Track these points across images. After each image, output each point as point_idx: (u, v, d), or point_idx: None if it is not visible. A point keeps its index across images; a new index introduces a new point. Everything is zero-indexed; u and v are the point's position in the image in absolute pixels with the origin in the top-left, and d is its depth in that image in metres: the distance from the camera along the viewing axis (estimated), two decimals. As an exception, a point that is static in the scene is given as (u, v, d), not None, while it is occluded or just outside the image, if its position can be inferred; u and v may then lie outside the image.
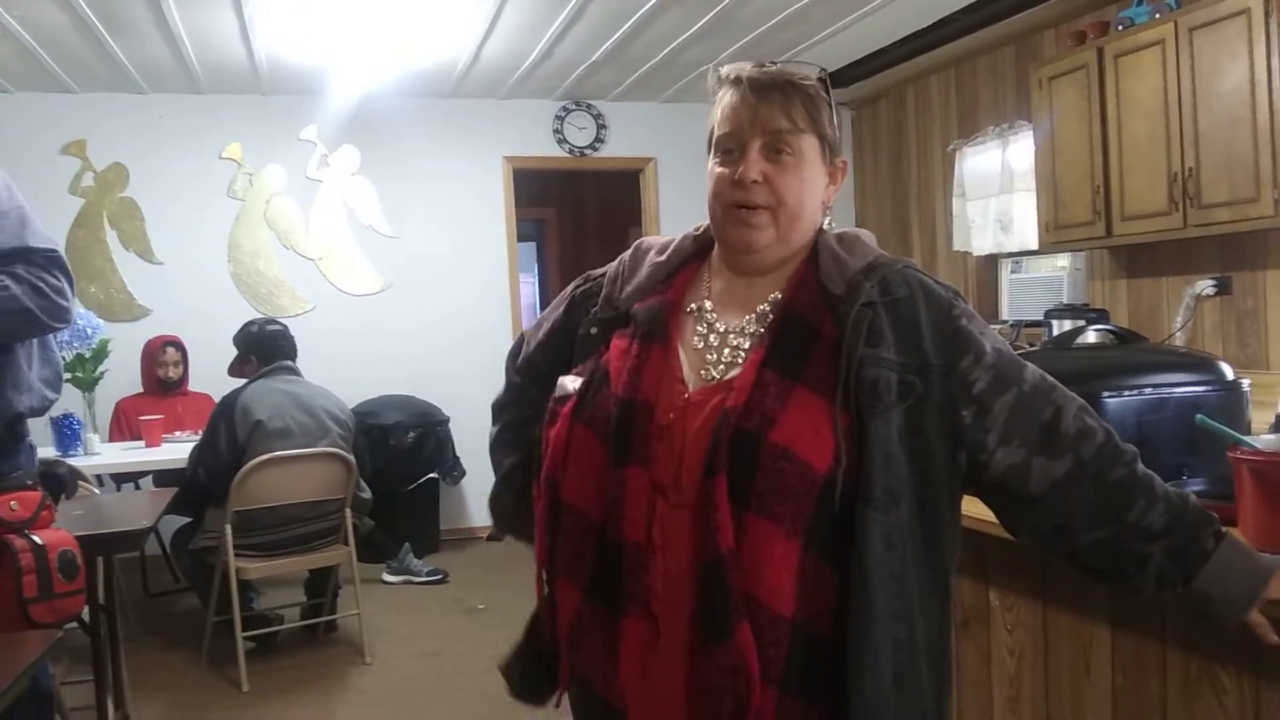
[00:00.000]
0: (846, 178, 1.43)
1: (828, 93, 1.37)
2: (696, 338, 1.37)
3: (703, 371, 1.33)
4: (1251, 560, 1.35)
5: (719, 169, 1.36)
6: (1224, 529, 1.36)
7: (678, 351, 1.35)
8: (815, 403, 1.25)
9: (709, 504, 1.22)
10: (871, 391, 1.25)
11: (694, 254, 1.45)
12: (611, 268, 1.49)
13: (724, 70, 1.39)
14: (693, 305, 1.40)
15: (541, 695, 1.47)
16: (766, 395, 1.26)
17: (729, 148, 1.35)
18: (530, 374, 1.57)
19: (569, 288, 1.56)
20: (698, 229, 1.47)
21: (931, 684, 1.29)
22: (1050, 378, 1.37)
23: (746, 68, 1.36)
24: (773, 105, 1.32)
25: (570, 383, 1.39)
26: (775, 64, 1.36)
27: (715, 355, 1.34)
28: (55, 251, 2.58)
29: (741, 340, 1.34)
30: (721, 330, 1.36)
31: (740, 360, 1.32)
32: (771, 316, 1.34)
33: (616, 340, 1.39)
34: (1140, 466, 1.36)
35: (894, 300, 1.30)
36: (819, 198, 1.38)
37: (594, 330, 1.43)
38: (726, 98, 1.36)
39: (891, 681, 1.24)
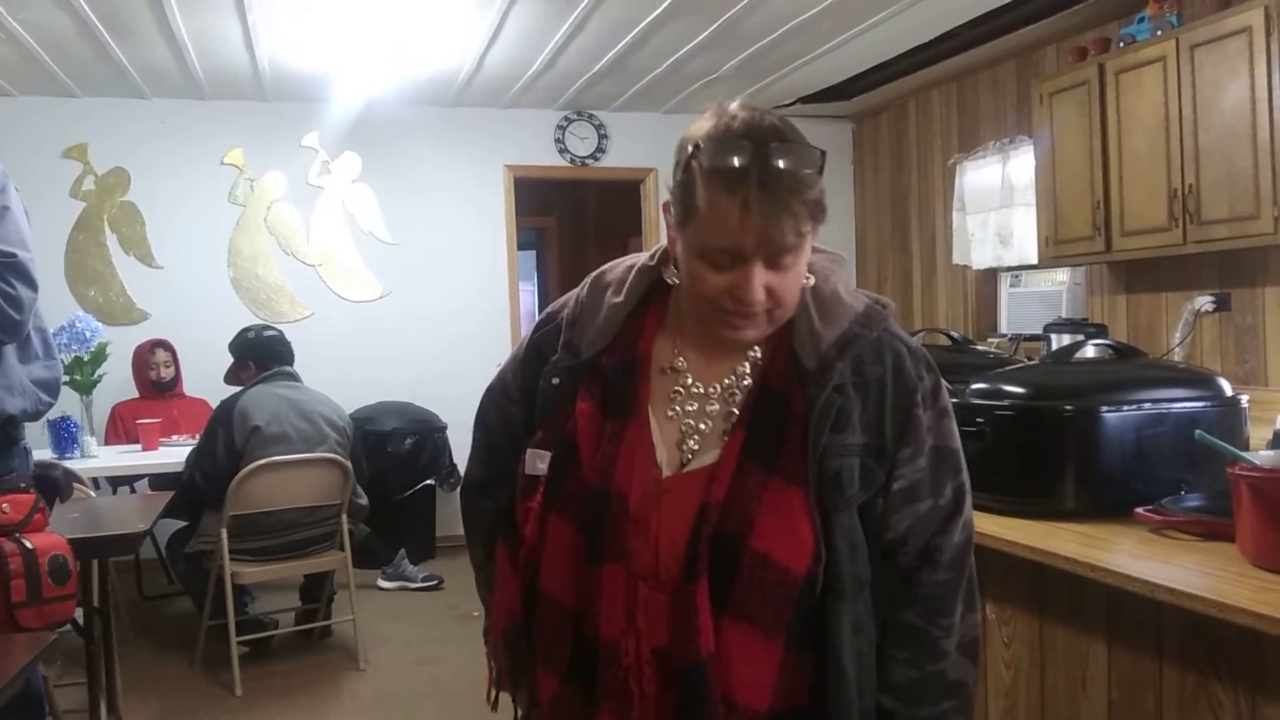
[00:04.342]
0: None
1: (822, 169, 1.18)
2: (671, 406, 1.30)
3: (680, 444, 1.29)
4: None
5: (709, 274, 1.19)
6: None
7: (650, 425, 1.29)
8: (790, 496, 1.23)
9: (690, 607, 1.21)
10: (835, 485, 1.23)
11: (651, 288, 1.36)
12: (569, 307, 1.40)
13: (711, 157, 1.15)
14: (665, 366, 1.32)
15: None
16: (745, 489, 1.22)
17: (720, 248, 1.17)
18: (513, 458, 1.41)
19: (530, 334, 1.46)
20: (652, 257, 1.36)
21: None
22: (967, 508, 1.33)
23: (742, 161, 1.13)
24: (782, 224, 1.15)
25: (539, 461, 1.31)
26: (773, 148, 1.14)
27: (692, 423, 1.29)
28: (14, 256, 2.45)
29: (718, 407, 1.29)
30: (698, 393, 1.30)
31: (715, 431, 1.28)
32: (749, 383, 1.29)
33: (582, 401, 1.31)
34: (940, 656, 1.30)
35: (866, 381, 1.27)
36: (803, 273, 1.25)
37: (556, 380, 1.35)
38: (718, 200, 1.15)
39: None
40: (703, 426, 1.29)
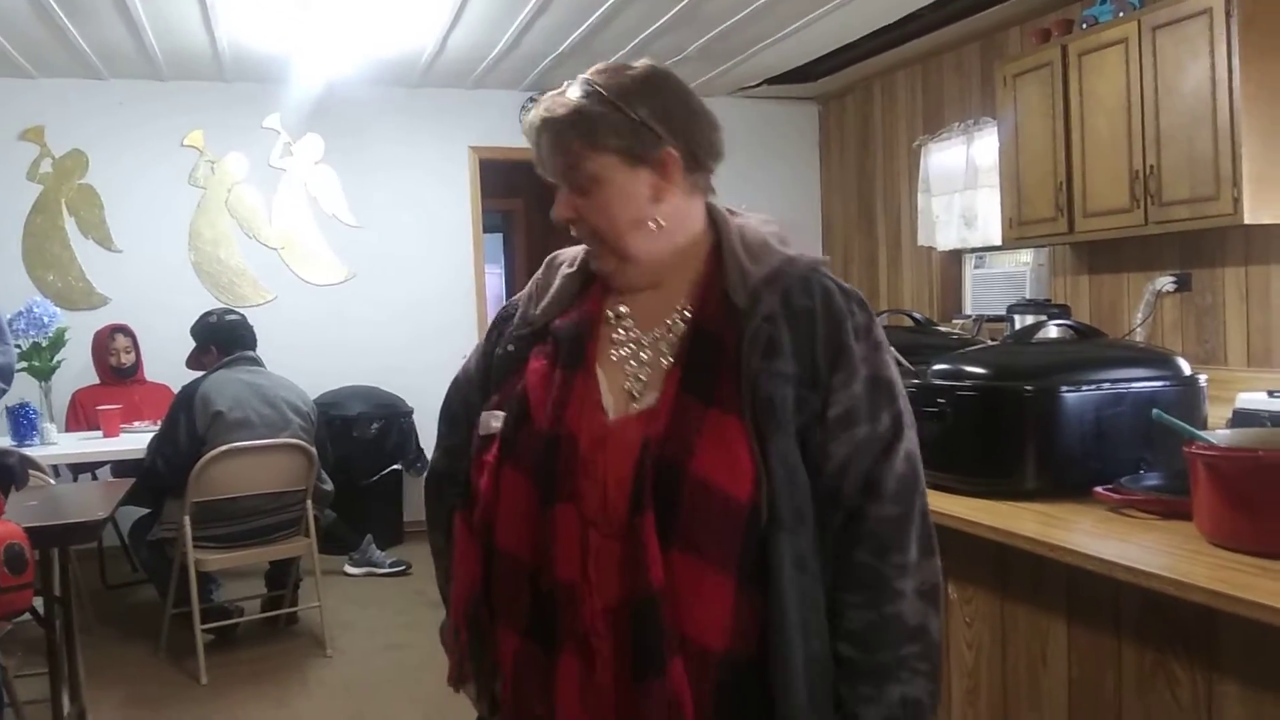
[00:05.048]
0: (679, 163, 1.32)
1: (608, 98, 1.30)
2: (614, 349, 1.34)
3: (625, 385, 1.32)
4: None
5: None
6: None
7: (596, 373, 1.33)
8: (728, 424, 1.24)
9: (637, 541, 1.21)
10: (768, 409, 1.24)
11: None
12: (527, 288, 1.47)
13: (522, 124, 1.41)
14: (609, 312, 1.37)
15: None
16: (685, 421, 1.24)
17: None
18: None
19: (492, 323, 1.51)
20: None
21: (831, 697, 1.28)
22: (908, 439, 1.32)
23: (527, 125, 1.35)
24: (549, 149, 1.32)
25: (493, 420, 1.35)
26: (538, 97, 1.37)
27: (633, 368, 1.32)
28: None
29: (656, 355, 1.32)
30: (637, 338, 1.34)
31: (655, 376, 1.31)
32: (684, 328, 1.32)
33: (534, 361, 1.36)
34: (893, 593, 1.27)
35: (794, 312, 1.29)
36: (639, 205, 1.31)
37: (511, 347, 1.40)
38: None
39: (809, 699, 1.23)
40: (643, 376, 1.32)
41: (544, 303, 1.41)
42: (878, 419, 1.29)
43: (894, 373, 1.33)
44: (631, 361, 1.33)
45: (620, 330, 1.35)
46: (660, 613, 1.20)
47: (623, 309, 1.37)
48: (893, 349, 1.37)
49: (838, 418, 1.28)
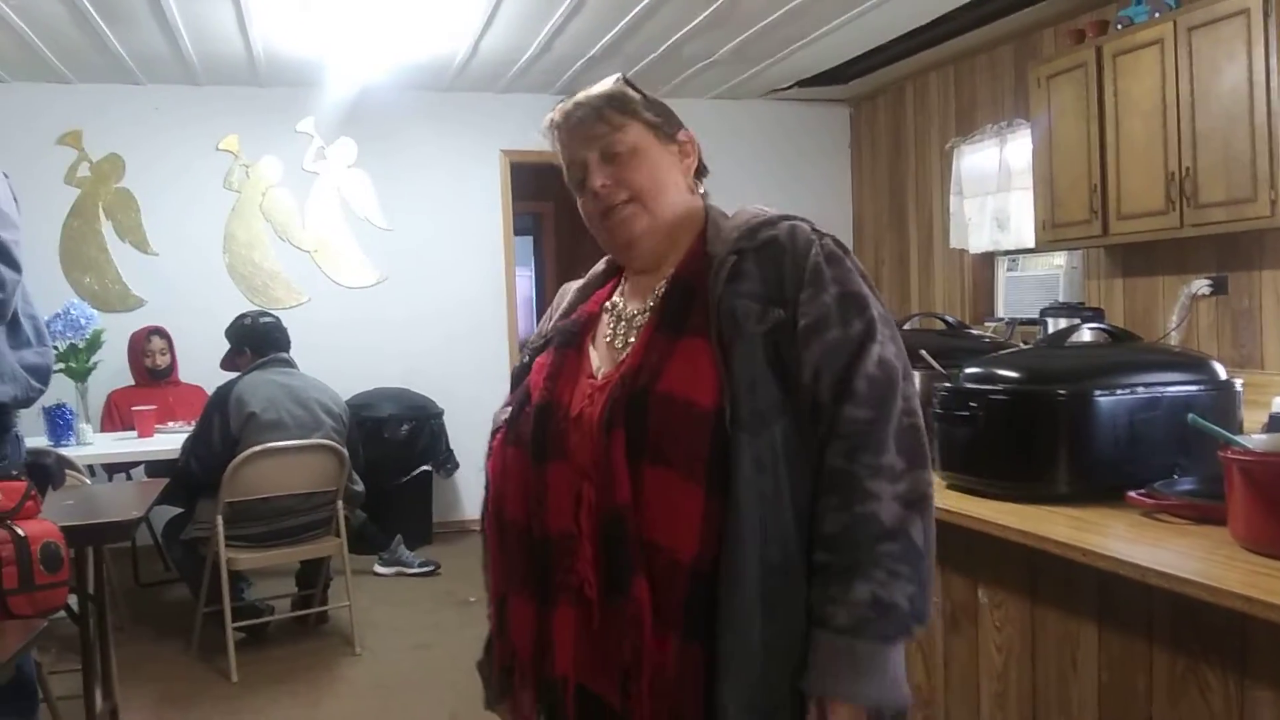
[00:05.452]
0: (696, 150, 1.49)
1: (633, 88, 1.45)
2: (608, 332, 1.44)
3: (614, 356, 1.40)
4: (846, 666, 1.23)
5: (581, 199, 1.46)
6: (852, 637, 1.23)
7: (589, 352, 1.43)
8: (696, 346, 1.30)
9: (606, 461, 1.26)
10: (730, 320, 1.29)
11: (611, 272, 1.56)
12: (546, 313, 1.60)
13: (543, 123, 1.50)
14: (607, 304, 1.49)
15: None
16: (655, 353, 1.31)
17: (578, 179, 1.45)
18: None
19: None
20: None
21: (794, 614, 1.26)
22: (882, 344, 1.31)
23: (555, 112, 1.47)
24: (586, 123, 1.43)
25: (501, 415, 1.46)
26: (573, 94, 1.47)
27: (622, 340, 1.40)
28: None
29: (643, 319, 1.40)
30: (628, 316, 1.43)
31: (638, 332, 1.40)
32: (665, 288, 1.40)
33: (539, 360, 1.47)
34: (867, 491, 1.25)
35: (762, 244, 1.35)
36: (674, 174, 1.45)
37: (526, 359, 1.51)
38: (557, 143, 1.48)
39: (760, 604, 1.23)
40: (631, 339, 1.40)
41: (555, 318, 1.54)
42: (849, 324, 1.31)
43: (867, 291, 1.35)
44: (620, 336, 1.42)
45: (614, 316, 1.45)
46: (626, 527, 1.24)
47: (618, 299, 1.47)
48: (924, 351, 1.39)
49: (808, 326, 1.30)
